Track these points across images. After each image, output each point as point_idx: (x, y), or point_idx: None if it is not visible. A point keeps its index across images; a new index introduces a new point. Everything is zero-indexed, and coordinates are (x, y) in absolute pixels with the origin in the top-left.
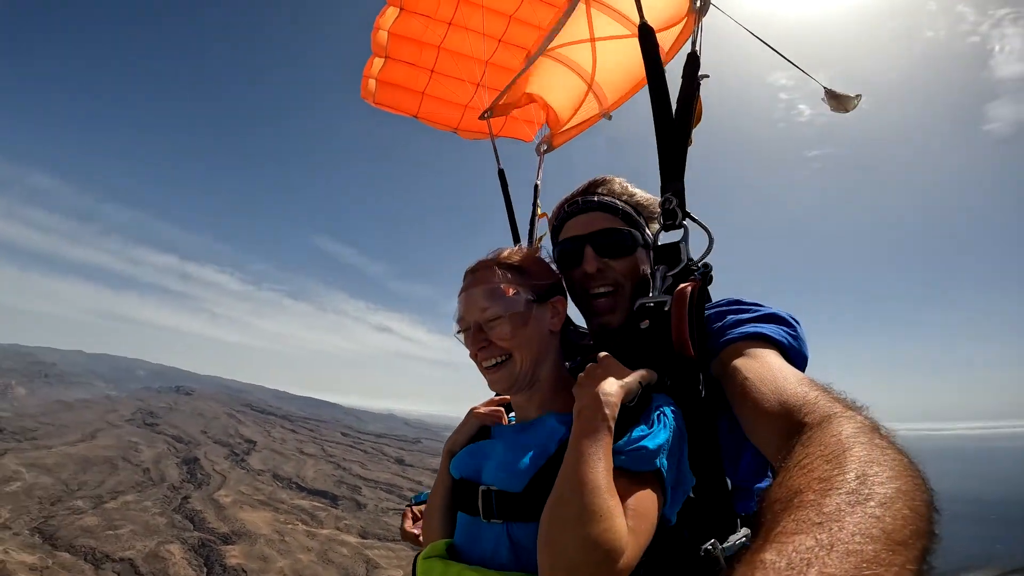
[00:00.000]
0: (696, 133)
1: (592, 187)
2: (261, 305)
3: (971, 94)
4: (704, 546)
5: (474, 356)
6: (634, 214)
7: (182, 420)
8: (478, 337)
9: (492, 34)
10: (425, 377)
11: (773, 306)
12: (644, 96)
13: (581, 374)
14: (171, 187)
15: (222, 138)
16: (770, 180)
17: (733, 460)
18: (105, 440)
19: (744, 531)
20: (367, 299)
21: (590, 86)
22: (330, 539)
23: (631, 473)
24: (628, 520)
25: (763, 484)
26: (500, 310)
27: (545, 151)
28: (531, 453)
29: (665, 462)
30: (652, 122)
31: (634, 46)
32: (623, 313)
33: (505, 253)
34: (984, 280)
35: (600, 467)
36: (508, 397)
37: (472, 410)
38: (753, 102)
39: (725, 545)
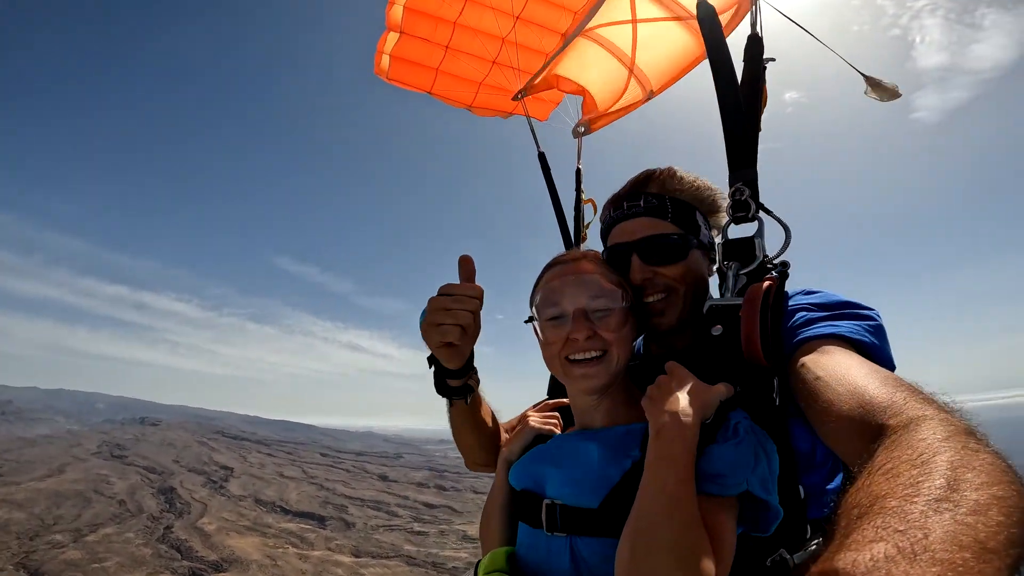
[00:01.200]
0: (639, 132)
1: (639, 186)
2: (223, 331)
3: (898, 84)
4: (772, 556)
5: (560, 348)
6: (688, 211)
7: (152, 451)
8: (583, 324)
9: (509, 11)
10: (400, 392)
11: (848, 297)
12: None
13: (651, 387)
14: (116, 212)
15: (166, 157)
16: (718, 176)
17: (805, 465)
18: (74, 474)
19: (817, 539)
20: (334, 318)
21: (631, 71)
22: (323, 560)
23: (711, 497)
24: (713, 545)
25: (831, 486)
26: (610, 302)
27: (583, 133)
28: (602, 468)
29: (747, 482)
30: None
31: (678, 29)
32: (676, 314)
33: (596, 252)
34: (912, 260)
35: (687, 495)
36: (565, 401)
37: (526, 418)
38: (694, 99)
39: (796, 554)
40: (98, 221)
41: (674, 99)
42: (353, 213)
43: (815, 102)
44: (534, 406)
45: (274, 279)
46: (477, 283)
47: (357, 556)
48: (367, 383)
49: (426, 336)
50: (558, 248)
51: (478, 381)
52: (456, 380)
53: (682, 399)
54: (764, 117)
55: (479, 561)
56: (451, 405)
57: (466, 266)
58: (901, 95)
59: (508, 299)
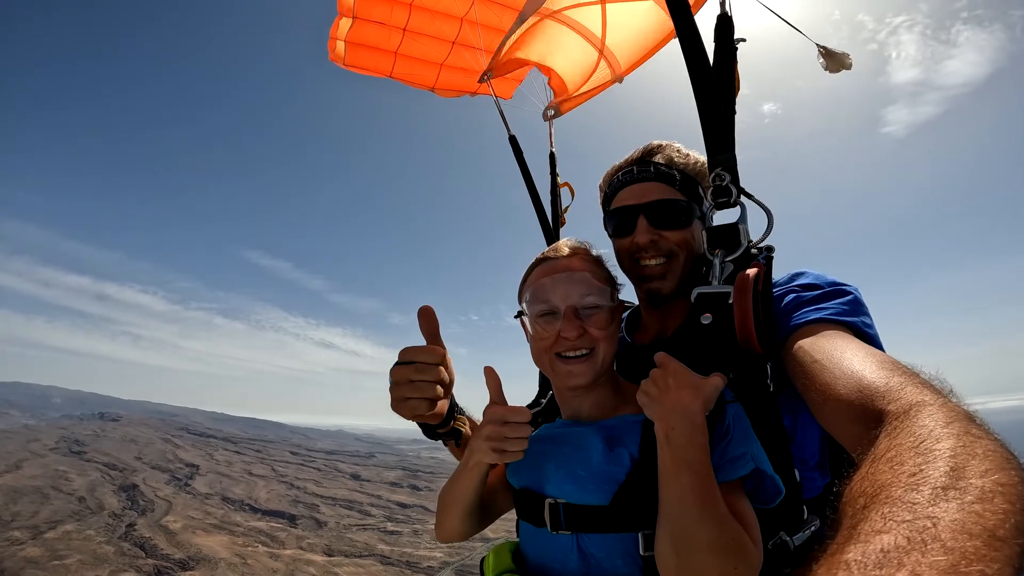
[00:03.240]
0: (619, 137)
1: (647, 154)
2: (190, 326)
3: (871, 99)
4: (773, 540)
5: (551, 345)
6: (693, 183)
7: (112, 447)
8: (574, 322)
9: None
10: (373, 391)
11: (834, 277)
12: (656, 63)
13: (646, 382)
14: (82, 202)
15: (135, 147)
16: None
17: (794, 443)
18: (31, 470)
19: (813, 519)
20: (307, 315)
21: (601, 52)
22: (295, 559)
23: (725, 484)
24: (745, 529)
25: (815, 460)
26: (600, 300)
27: (552, 116)
28: (603, 464)
29: (752, 460)
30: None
31: (647, 9)
32: (675, 280)
33: (585, 248)
34: (875, 272)
35: (712, 496)
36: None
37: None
38: (679, 106)
39: (795, 536)
40: (63, 210)
41: (644, 83)
42: (329, 209)
43: (791, 114)
44: (529, 405)
45: (245, 274)
46: (440, 339)
47: (330, 555)
48: (339, 381)
49: (397, 410)
50: (536, 238)
51: (466, 421)
52: (442, 428)
53: (684, 397)
54: (743, 128)
55: (483, 558)
56: (444, 443)
57: (427, 321)
58: (851, 65)
59: (483, 302)
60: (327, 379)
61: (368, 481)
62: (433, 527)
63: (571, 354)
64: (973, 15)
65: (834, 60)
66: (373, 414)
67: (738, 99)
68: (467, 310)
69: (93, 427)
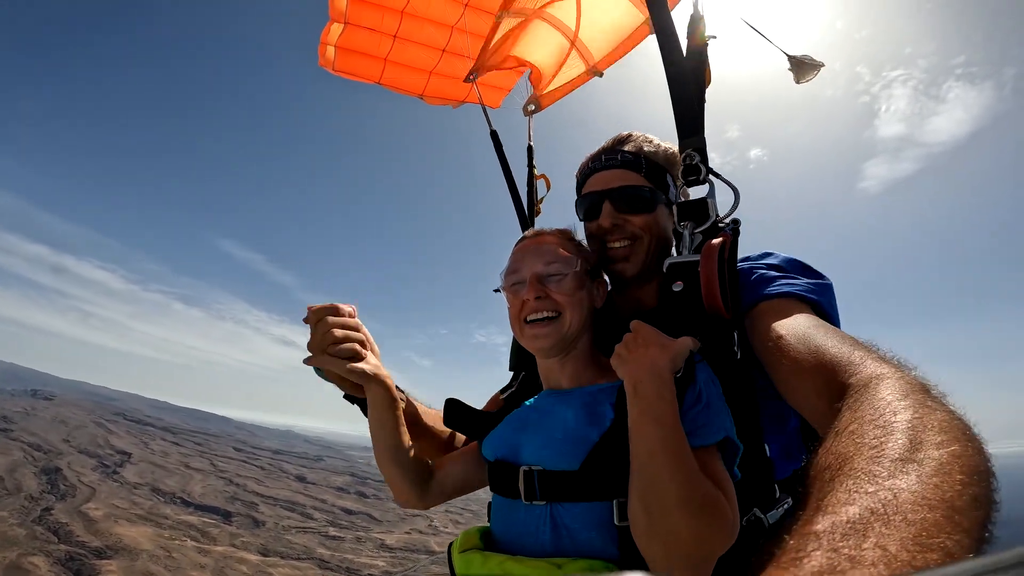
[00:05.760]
0: (598, 132)
1: (617, 143)
2: (145, 308)
3: (854, 151)
4: (747, 516)
5: (519, 311)
6: (660, 171)
7: (40, 427)
8: (536, 288)
9: None
10: (327, 394)
11: (800, 257)
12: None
13: (619, 345)
14: (55, 172)
15: (117, 123)
16: None
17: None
18: None
19: (786, 497)
20: (270, 309)
21: (573, 43)
22: (226, 556)
23: (698, 449)
24: (722, 493)
25: (786, 439)
26: (563, 267)
27: (533, 111)
28: (579, 428)
29: (724, 428)
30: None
31: (621, 5)
32: (638, 262)
33: (562, 228)
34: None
35: (682, 449)
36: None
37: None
38: (655, 105)
39: (769, 513)
40: (38, 181)
41: (622, 80)
42: (311, 207)
43: (776, 162)
44: (500, 391)
45: (215, 262)
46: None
47: (264, 555)
48: (294, 381)
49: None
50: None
51: (406, 399)
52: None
53: (652, 355)
54: (729, 170)
55: (451, 543)
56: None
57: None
58: (818, 72)
59: (452, 316)
60: (282, 377)
61: (314, 484)
62: (378, 535)
63: (534, 317)
64: (967, 72)
65: (801, 70)
66: (326, 417)
67: (727, 142)
68: (436, 323)
69: (23, 404)
